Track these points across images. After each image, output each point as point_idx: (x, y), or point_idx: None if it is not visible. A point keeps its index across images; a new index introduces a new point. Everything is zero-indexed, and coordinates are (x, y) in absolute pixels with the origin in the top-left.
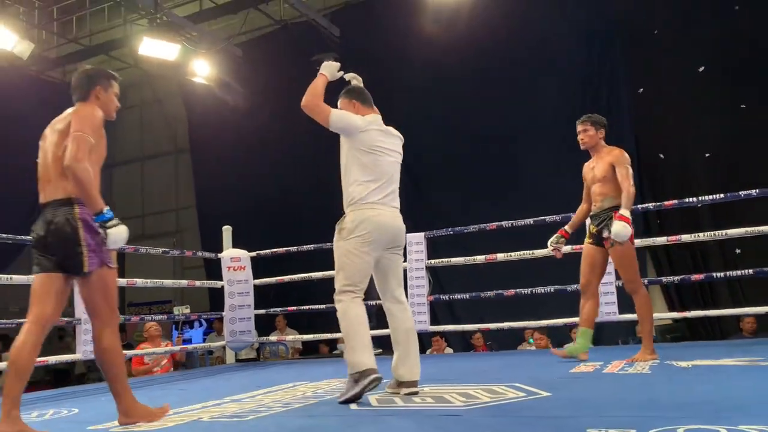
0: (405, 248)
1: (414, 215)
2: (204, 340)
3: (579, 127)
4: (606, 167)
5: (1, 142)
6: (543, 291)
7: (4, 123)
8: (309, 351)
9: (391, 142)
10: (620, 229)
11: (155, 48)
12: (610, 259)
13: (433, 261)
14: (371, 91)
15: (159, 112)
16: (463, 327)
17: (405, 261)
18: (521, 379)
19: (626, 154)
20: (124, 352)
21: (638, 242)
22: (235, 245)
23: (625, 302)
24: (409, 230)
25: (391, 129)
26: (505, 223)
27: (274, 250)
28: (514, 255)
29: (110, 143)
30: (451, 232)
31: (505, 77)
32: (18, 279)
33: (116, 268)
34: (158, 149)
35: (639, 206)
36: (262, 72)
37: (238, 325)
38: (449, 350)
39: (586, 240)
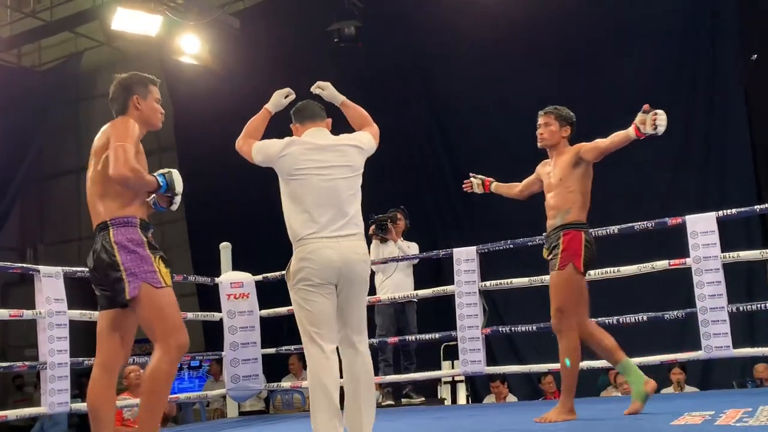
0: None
1: (462, 226)
2: (201, 388)
3: (540, 120)
4: (565, 167)
5: None
6: (634, 320)
7: None
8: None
9: (328, 158)
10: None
11: (132, 21)
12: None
13: (488, 283)
14: (400, 71)
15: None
16: (530, 368)
17: (431, 287)
18: None
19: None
20: None
21: (753, 254)
22: (236, 267)
23: (741, 334)
24: (457, 244)
25: (331, 139)
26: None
27: (285, 272)
28: (595, 273)
29: (77, 142)
30: (511, 246)
31: (572, 54)
32: None
33: (166, 286)
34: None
35: (757, 207)
36: (265, 47)
37: (241, 369)
38: (512, 397)
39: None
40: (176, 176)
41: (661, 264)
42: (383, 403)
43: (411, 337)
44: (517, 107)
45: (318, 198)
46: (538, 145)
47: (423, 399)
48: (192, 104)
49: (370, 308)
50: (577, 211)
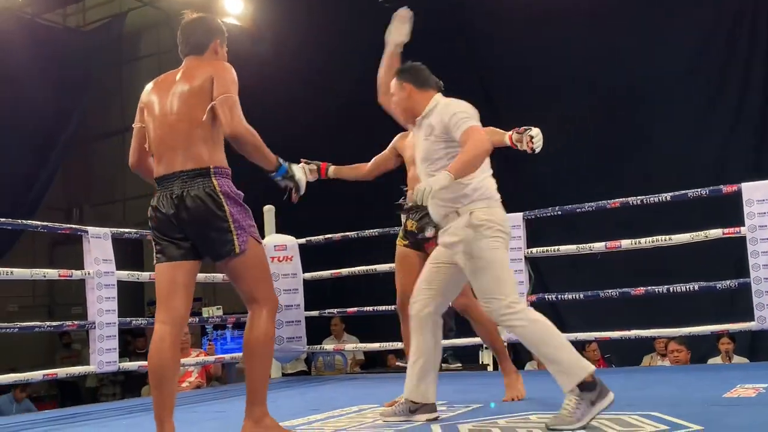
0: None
1: (507, 191)
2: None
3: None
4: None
5: None
6: (684, 289)
7: None
8: (372, 363)
9: None
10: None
11: None
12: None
13: (534, 250)
14: (444, 34)
15: (180, 63)
16: (575, 335)
17: None
18: (660, 407)
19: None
20: (145, 363)
21: None
22: (279, 230)
23: None
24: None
25: None
26: (633, 200)
27: (329, 235)
28: (645, 242)
29: (122, 103)
30: (559, 213)
31: (626, 14)
32: (20, 273)
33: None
34: None
35: None
36: (306, 9)
37: (284, 330)
38: None
39: (400, 241)
40: (297, 169)
41: (715, 233)
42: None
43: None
44: (564, 74)
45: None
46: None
47: (460, 365)
48: (235, 65)
49: (344, 280)
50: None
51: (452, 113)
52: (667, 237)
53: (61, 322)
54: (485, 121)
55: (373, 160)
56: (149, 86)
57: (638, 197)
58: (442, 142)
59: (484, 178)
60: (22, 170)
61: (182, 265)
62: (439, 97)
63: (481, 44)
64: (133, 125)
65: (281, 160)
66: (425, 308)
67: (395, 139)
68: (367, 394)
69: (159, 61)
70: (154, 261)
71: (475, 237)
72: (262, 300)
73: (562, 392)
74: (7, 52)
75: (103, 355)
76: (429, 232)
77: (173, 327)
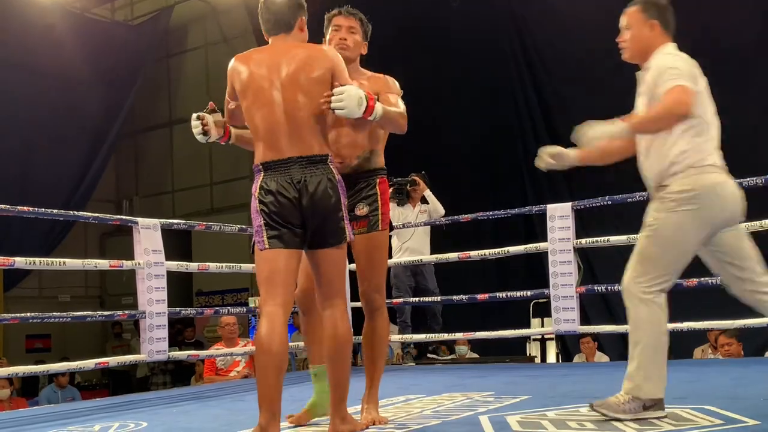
0: (546, 224)
1: (555, 181)
2: (290, 338)
3: (341, 20)
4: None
5: (40, 90)
6: None
7: (45, 69)
8: (417, 355)
9: None
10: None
11: None
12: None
13: (584, 240)
14: (496, 29)
15: (227, 55)
16: (625, 327)
17: (546, 240)
18: (714, 400)
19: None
20: (197, 352)
21: None
22: None
23: None
24: (551, 200)
25: None
26: None
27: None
28: None
29: (169, 96)
30: (609, 203)
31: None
32: (72, 264)
33: None
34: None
35: None
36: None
37: None
38: (604, 357)
39: None
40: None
41: None
42: (405, 363)
43: (482, 296)
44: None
45: None
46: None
47: (450, 356)
48: None
49: (387, 271)
50: (383, 152)
51: (662, 71)
52: None
53: (112, 312)
54: (530, 114)
55: None
56: (241, 65)
57: None
58: (645, 98)
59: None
60: (74, 163)
61: (293, 253)
62: (667, 47)
63: (532, 41)
64: (227, 105)
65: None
66: None
67: None
68: (413, 385)
69: (205, 54)
70: (264, 245)
71: None
72: (342, 295)
73: (611, 384)
74: (57, 46)
75: (153, 344)
76: (363, 209)
77: (286, 312)
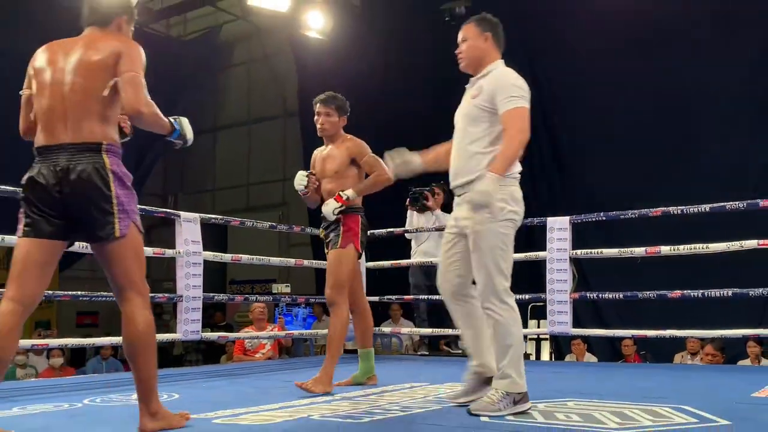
0: (545, 235)
1: (555, 196)
2: (310, 326)
3: (320, 108)
4: (343, 160)
5: None
6: (718, 294)
7: None
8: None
9: None
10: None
11: None
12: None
13: (579, 252)
14: (508, 54)
15: (268, 71)
16: (614, 332)
17: (545, 249)
18: (691, 401)
19: (365, 144)
20: (226, 334)
21: None
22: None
23: None
24: (550, 213)
25: None
26: (674, 209)
27: (390, 229)
28: (683, 248)
29: (214, 105)
30: (604, 218)
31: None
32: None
33: (143, 233)
34: (266, 112)
35: None
36: (381, 24)
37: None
38: (592, 357)
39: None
40: (186, 124)
41: (750, 243)
42: (418, 352)
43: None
44: (613, 88)
45: None
46: (319, 134)
47: (461, 351)
48: (315, 75)
49: (405, 270)
50: (359, 199)
51: (506, 85)
52: (705, 245)
53: (153, 294)
54: (534, 132)
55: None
56: (41, 53)
57: (679, 207)
58: (487, 105)
59: None
60: (128, 161)
61: (48, 243)
62: (501, 62)
63: (543, 65)
64: (20, 93)
65: (174, 123)
66: None
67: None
68: (418, 374)
69: (248, 70)
70: (18, 234)
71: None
72: (136, 289)
73: (598, 382)
74: None
75: (188, 325)
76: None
77: (23, 308)
